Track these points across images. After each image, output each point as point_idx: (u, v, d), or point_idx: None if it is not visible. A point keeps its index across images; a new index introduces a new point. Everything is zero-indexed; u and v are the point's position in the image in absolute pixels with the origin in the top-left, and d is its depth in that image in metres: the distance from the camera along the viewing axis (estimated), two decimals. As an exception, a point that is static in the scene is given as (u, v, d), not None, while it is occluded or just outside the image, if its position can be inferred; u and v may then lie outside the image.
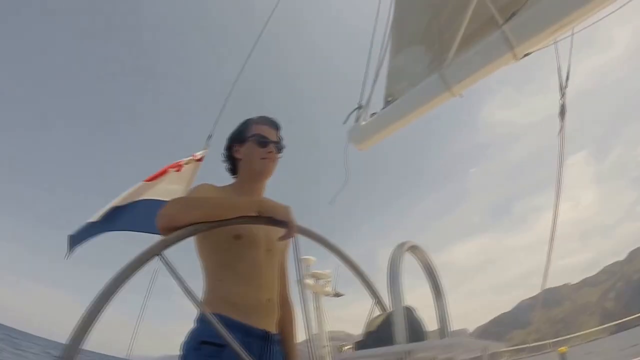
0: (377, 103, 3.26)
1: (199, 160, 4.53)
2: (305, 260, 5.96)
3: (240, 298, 1.69)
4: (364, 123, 3.12)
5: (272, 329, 1.77)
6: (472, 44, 2.84)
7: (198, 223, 1.42)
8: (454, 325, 1.22)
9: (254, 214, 1.54)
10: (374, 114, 3.16)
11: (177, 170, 4.38)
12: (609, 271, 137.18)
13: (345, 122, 3.23)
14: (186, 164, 4.44)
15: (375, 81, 3.30)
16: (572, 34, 2.75)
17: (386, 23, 3.33)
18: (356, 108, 3.27)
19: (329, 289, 6.11)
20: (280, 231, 1.57)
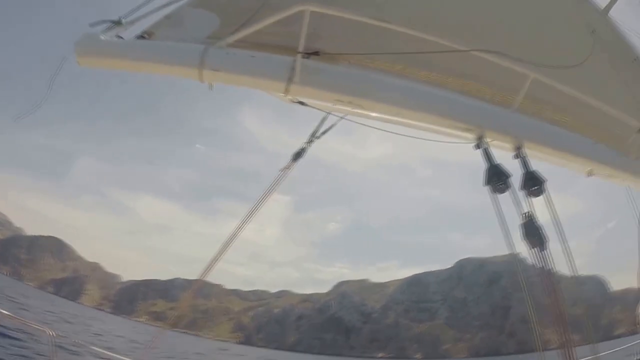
0: (134, 30, 3.01)
1: None
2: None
3: None
4: (103, 38, 2.83)
5: None
6: (261, 49, 2.89)
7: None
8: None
9: None
10: (120, 37, 2.92)
11: None
12: (259, 294, 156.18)
13: (92, 26, 2.86)
14: None
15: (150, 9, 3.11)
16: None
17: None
18: (113, 21, 2.96)
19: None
20: None
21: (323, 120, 3.98)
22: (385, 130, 3.84)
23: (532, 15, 5.03)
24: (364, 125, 3.84)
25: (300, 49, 2.81)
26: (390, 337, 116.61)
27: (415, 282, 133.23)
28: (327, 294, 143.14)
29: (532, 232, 3.01)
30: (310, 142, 3.58)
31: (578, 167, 4.27)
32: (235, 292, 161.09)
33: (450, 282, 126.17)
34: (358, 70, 3.19)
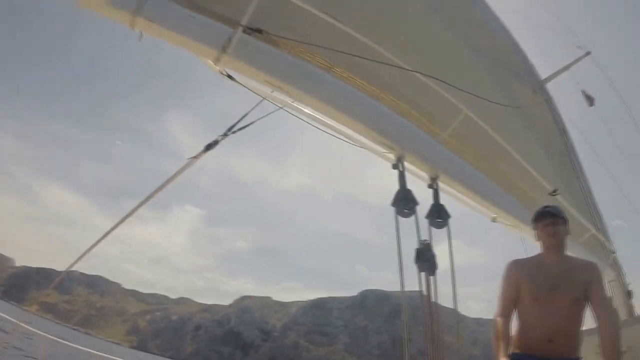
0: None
1: None
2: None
3: None
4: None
5: None
6: (204, 14, 2.77)
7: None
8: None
9: None
10: None
11: None
12: (158, 298, 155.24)
13: None
14: None
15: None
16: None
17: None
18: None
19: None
20: None
21: (245, 116, 3.78)
22: (316, 127, 3.70)
23: (482, 60, 5.23)
24: (294, 115, 3.68)
25: (244, 22, 2.70)
26: (289, 357, 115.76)
27: (318, 306, 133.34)
28: (229, 306, 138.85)
29: (425, 258, 3.07)
30: (225, 135, 3.38)
31: (485, 210, 4.38)
32: (134, 293, 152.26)
33: (353, 309, 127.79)
34: (294, 58, 3.09)
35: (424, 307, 3.04)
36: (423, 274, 3.06)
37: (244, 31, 2.73)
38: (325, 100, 3.08)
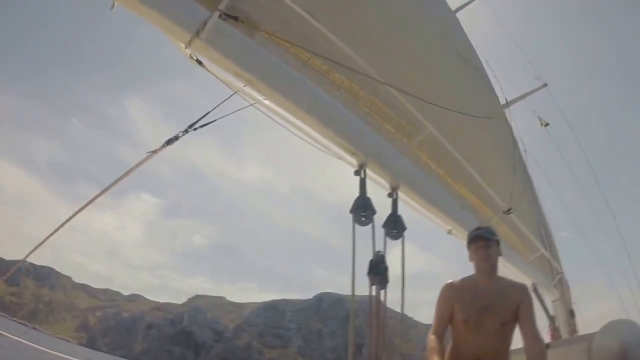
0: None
1: None
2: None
3: None
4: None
5: None
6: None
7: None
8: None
9: None
10: None
11: None
12: (110, 294, 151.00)
13: None
14: None
15: None
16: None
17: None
18: None
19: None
20: None
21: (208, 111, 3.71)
22: (284, 126, 3.67)
23: (455, 78, 5.33)
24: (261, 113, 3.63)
25: (221, 7, 2.59)
26: (242, 359, 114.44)
27: (272, 308, 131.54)
28: (182, 305, 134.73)
29: (377, 271, 3.08)
30: (186, 131, 3.31)
31: (442, 223, 4.47)
32: (85, 288, 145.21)
33: (307, 312, 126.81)
34: (268, 53, 3.00)
35: (370, 319, 3.05)
36: (374, 287, 3.08)
37: (221, 16, 2.62)
38: (294, 101, 3.04)
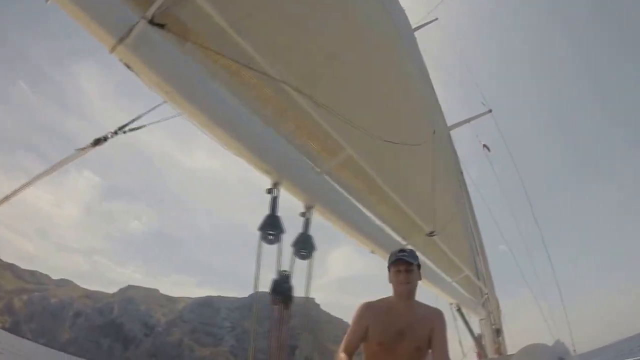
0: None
1: None
2: None
3: None
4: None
5: None
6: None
7: None
8: None
9: None
10: None
11: None
12: (38, 276, 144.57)
13: None
14: None
15: None
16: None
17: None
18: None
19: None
20: None
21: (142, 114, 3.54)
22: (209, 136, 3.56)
23: (393, 100, 5.33)
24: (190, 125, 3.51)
25: (150, 13, 2.48)
26: (172, 356, 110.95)
27: (207, 304, 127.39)
28: (113, 295, 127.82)
29: (280, 290, 3.06)
30: (115, 133, 3.13)
31: (363, 243, 4.45)
32: (11, 268, 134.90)
33: (242, 311, 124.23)
34: (194, 64, 2.94)
35: (270, 340, 2.99)
36: (277, 308, 3.05)
37: (150, 22, 2.52)
38: (209, 116, 2.95)
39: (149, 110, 3.44)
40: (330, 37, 4.19)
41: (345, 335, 2.88)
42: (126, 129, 3.32)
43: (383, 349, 2.75)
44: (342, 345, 2.84)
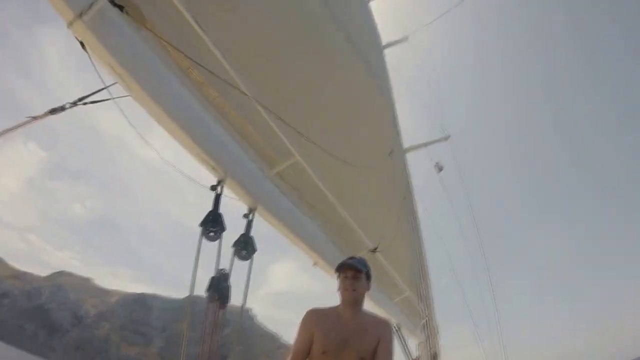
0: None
1: None
2: None
3: None
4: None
5: None
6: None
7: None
8: None
9: None
10: None
11: None
12: None
13: None
14: None
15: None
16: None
17: None
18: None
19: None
20: None
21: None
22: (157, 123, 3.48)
23: (349, 116, 5.37)
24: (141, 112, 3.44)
25: None
26: (97, 350, 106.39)
27: (140, 301, 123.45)
28: (44, 279, 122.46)
29: (218, 289, 3.02)
30: (74, 104, 3.03)
31: (305, 252, 4.44)
32: None
33: (176, 313, 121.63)
34: (149, 52, 2.91)
35: (203, 339, 2.92)
36: (212, 305, 3.01)
37: (110, 1, 2.52)
38: (160, 103, 2.92)
39: (110, 85, 3.35)
40: (293, 50, 4.21)
41: (293, 344, 2.82)
42: (86, 100, 3.22)
43: (327, 357, 2.68)
44: (291, 355, 2.78)
